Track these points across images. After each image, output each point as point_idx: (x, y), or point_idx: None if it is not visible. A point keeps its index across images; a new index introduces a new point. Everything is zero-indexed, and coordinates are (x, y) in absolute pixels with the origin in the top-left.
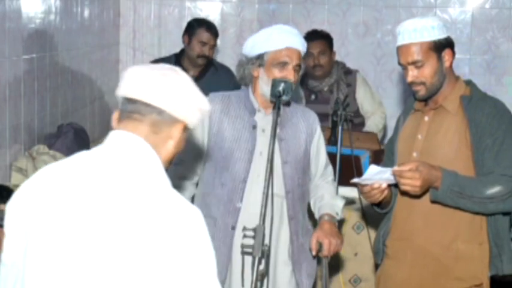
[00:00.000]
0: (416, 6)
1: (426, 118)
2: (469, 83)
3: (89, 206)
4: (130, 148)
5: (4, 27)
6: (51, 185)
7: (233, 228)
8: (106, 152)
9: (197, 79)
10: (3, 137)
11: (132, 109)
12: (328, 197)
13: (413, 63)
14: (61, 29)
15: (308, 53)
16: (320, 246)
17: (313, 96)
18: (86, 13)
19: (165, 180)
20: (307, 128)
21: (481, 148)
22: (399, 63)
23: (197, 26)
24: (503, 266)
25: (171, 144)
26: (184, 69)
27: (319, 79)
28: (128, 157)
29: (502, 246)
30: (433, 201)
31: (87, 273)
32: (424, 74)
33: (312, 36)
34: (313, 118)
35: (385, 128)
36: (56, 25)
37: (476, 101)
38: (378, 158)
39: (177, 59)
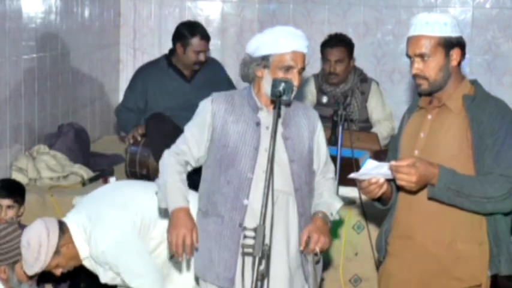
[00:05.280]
0: (416, 6)
1: (429, 116)
2: (474, 82)
3: None
4: None
5: (4, 27)
6: None
7: (240, 225)
8: None
9: (192, 76)
10: (4, 136)
11: None
12: (327, 196)
13: (420, 55)
14: (61, 29)
15: (325, 59)
16: (309, 241)
17: (324, 99)
18: (87, 13)
19: None
20: (309, 125)
21: (482, 147)
22: (407, 55)
23: (190, 35)
24: (501, 266)
25: None
26: (178, 70)
27: (334, 85)
28: None
29: (500, 246)
30: (430, 198)
31: None
32: (428, 68)
33: (333, 42)
34: (314, 115)
35: (389, 139)
36: (57, 25)
37: (479, 101)
38: (379, 158)
39: (168, 61)
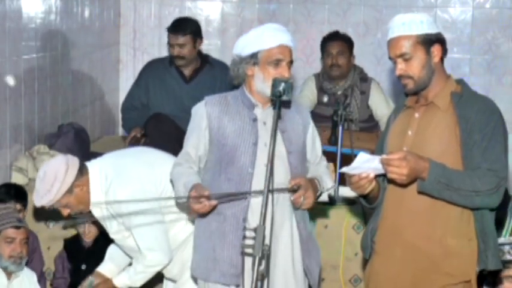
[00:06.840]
0: (416, 6)
1: (416, 115)
2: (460, 81)
3: None
4: None
5: (4, 27)
6: None
7: (244, 220)
8: None
9: (191, 78)
10: (4, 136)
11: None
12: (322, 174)
13: (401, 56)
14: (61, 29)
15: (327, 53)
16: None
17: (325, 98)
18: (87, 13)
19: None
20: (302, 120)
21: (470, 143)
22: (389, 58)
23: (167, 29)
24: (488, 262)
25: None
26: (179, 69)
27: (335, 80)
28: None
29: (487, 242)
30: (420, 192)
31: None
32: (411, 67)
33: (332, 36)
34: (306, 112)
35: None
36: (57, 25)
37: (466, 98)
38: None
39: (171, 59)
